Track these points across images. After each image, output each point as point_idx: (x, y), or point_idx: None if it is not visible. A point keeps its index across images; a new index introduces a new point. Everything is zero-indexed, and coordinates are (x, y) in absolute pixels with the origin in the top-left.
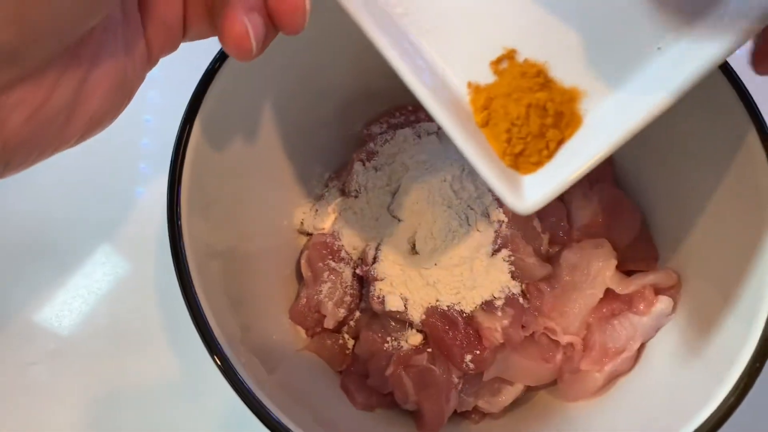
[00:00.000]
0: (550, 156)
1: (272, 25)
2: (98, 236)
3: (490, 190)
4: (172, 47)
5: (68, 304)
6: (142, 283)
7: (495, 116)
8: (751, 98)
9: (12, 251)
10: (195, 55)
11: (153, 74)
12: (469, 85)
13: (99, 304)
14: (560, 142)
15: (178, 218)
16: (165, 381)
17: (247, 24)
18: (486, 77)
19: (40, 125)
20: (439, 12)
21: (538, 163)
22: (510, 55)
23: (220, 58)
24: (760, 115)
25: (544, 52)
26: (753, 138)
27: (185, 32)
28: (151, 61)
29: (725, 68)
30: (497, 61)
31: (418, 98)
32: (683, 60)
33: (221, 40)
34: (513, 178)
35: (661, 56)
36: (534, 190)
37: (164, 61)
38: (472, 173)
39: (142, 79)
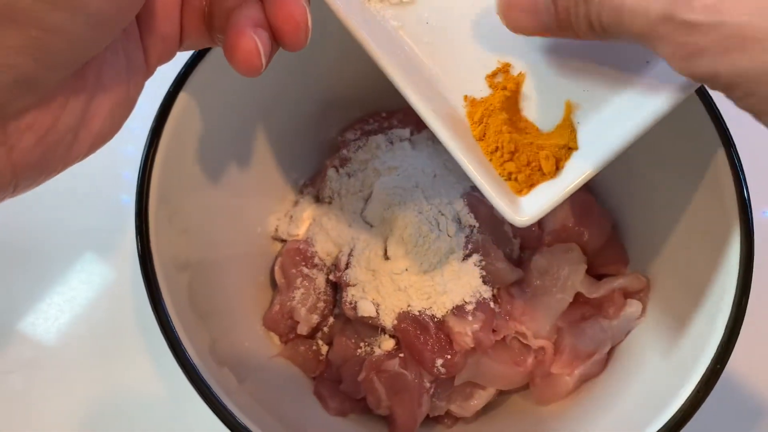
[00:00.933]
0: None
1: (274, 41)
2: (80, 244)
3: (461, 196)
4: (169, 57)
5: (46, 312)
6: (121, 292)
7: (490, 131)
8: (719, 112)
9: None
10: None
11: None
12: (465, 98)
13: (78, 312)
14: None
15: (146, 231)
16: (143, 389)
17: (256, 40)
18: (482, 91)
19: (49, 147)
20: (434, 26)
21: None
22: (505, 69)
23: (191, 65)
24: (727, 129)
25: (538, 65)
26: (720, 151)
27: (181, 42)
28: (149, 72)
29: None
30: (492, 75)
31: (418, 112)
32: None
33: (229, 56)
34: (509, 191)
35: (651, 70)
36: (531, 203)
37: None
38: (443, 179)
39: (140, 89)
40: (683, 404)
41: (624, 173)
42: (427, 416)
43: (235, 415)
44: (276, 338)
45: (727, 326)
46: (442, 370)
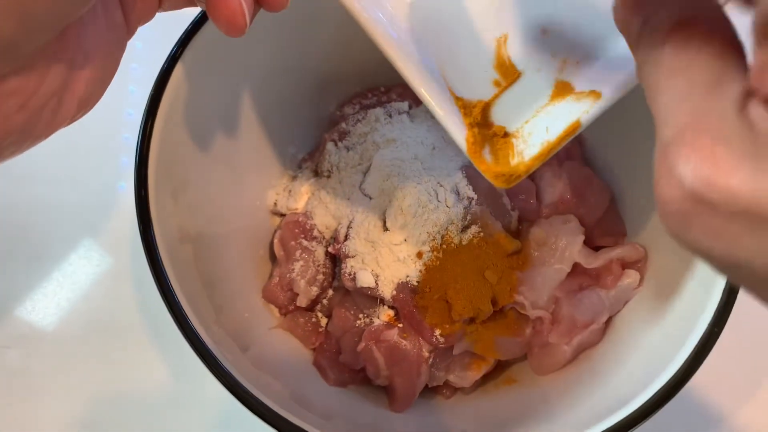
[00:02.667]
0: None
1: (256, 2)
2: (79, 221)
3: (460, 168)
4: (148, 17)
5: (47, 297)
6: (121, 267)
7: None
8: None
9: None
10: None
11: (134, 69)
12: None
13: (76, 288)
14: None
15: (146, 203)
16: (142, 364)
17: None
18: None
19: (33, 113)
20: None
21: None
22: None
23: (183, 43)
24: None
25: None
26: None
27: (161, 2)
28: (129, 33)
29: None
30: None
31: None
32: None
33: (213, 14)
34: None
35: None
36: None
37: (146, 57)
38: (441, 151)
39: (122, 50)
40: (679, 369)
41: (622, 146)
42: (426, 386)
43: (242, 385)
44: (275, 310)
45: (723, 291)
46: (441, 339)
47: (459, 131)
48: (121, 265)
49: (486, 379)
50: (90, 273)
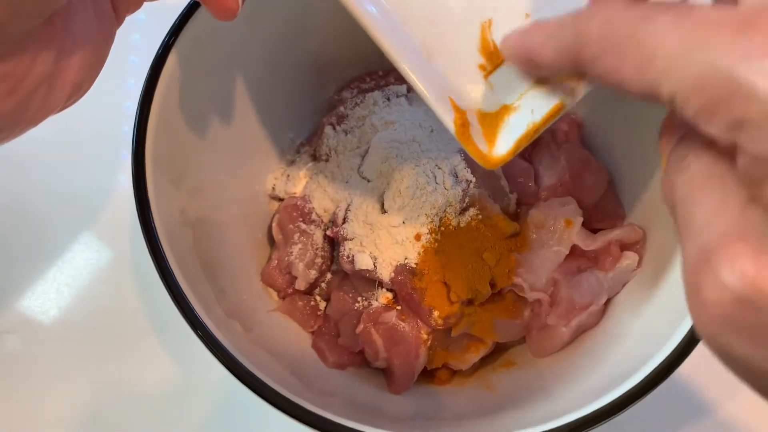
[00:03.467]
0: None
1: None
2: (79, 207)
3: (458, 151)
4: (136, 6)
5: (47, 283)
6: (122, 263)
7: None
8: None
9: None
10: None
11: (134, 62)
12: None
13: (78, 283)
14: None
15: (144, 188)
16: (144, 357)
17: None
18: None
19: (23, 98)
20: None
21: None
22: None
23: (176, 31)
24: None
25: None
26: None
27: None
28: (118, 20)
29: None
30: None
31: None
32: None
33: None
34: (479, 134)
35: None
36: (501, 144)
37: (143, 49)
38: (440, 134)
39: (112, 38)
40: (676, 347)
41: (620, 128)
42: (425, 369)
43: (241, 363)
44: (274, 294)
45: None
46: (439, 321)
47: (447, 113)
48: (121, 253)
49: (484, 361)
50: (90, 259)
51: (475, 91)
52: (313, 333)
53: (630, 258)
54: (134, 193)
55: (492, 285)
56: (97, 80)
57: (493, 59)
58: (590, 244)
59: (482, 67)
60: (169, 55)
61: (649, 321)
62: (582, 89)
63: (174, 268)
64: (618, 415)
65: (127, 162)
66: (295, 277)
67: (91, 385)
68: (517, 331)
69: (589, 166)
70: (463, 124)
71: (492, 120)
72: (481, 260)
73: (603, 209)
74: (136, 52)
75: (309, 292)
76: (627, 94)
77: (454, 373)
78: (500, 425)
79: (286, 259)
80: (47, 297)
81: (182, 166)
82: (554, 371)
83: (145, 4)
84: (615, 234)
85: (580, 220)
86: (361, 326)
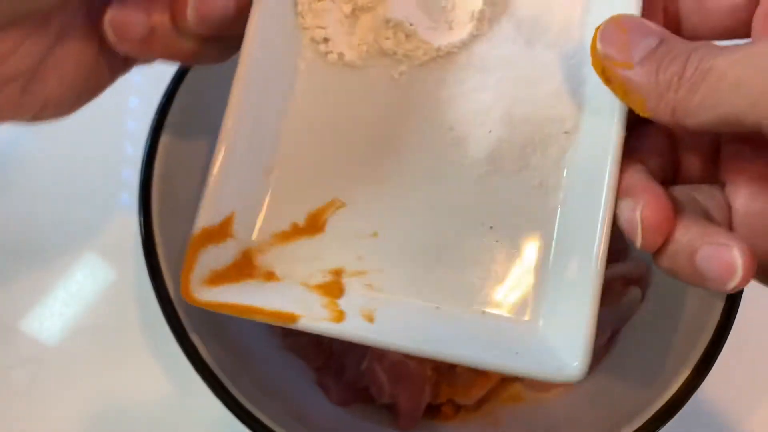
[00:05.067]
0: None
1: None
2: (83, 238)
3: None
4: (146, 61)
5: (51, 307)
6: (126, 285)
7: None
8: None
9: None
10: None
11: (134, 80)
12: None
13: (82, 307)
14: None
15: (149, 221)
16: (148, 383)
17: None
18: None
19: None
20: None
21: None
22: None
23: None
24: None
25: None
26: None
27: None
28: (126, 65)
29: None
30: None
31: None
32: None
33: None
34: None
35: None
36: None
37: (148, 69)
38: None
39: (110, 80)
40: (683, 384)
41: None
42: (429, 404)
43: (242, 403)
44: (278, 329)
45: (724, 306)
46: None
47: None
48: (125, 280)
49: (490, 396)
50: (96, 290)
51: None
52: (317, 369)
53: (634, 293)
54: (139, 222)
55: None
56: (97, 99)
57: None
58: None
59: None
60: (178, 90)
61: (654, 356)
62: None
63: (175, 302)
64: None
65: (128, 181)
66: None
67: (91, 405)
68: None
69: None
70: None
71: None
72: None
73: None
74: (139, 71)
75: None
76: None
77: (459, 408)
78: None
79: None
80: (52, 315)
81: (187, 197)
82: (560, 407)
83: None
84: (619, 269)
85: None
86: (365, 363)
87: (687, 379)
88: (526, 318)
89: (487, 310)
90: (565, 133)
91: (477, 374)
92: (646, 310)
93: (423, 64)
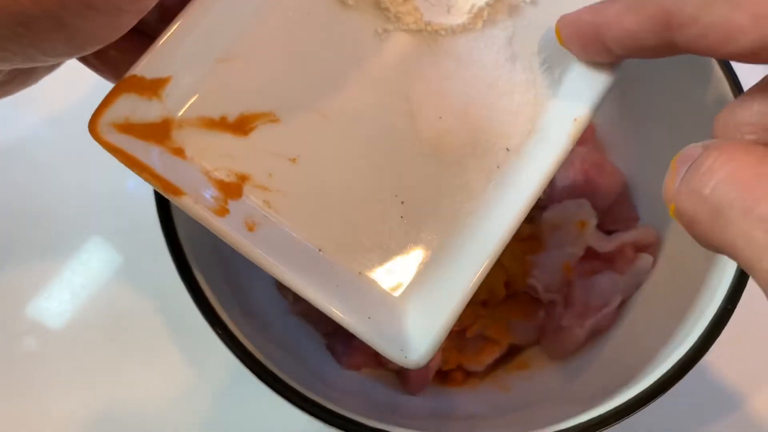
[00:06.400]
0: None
1: None
2: (94, 225)
3: None
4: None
5: (63, 284)
6: (137, 270)
7: None
8: (733, 70)
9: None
10: None
11: None
12: None
13: (93, 285)
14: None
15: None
16: (159, 360)
17: None
18: None
19: None
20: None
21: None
22: None
23: None
24: (739, 83)
25: None
26: (729, 97)
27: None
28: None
29: None
30: None
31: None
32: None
33: None
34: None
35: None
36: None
37: None
38: None
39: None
40: (692, 346)
41: (632, 128)
42: (439, 370)
43: (261, 360)
44: (289, 295)
45: (736, 271)
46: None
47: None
48: (135, 254)
49: (499, 363)
50: (104, 261)
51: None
52: (327, 335)
53: (644, 260)
54: (154, 192)
55: (507, 286)
56: (107, 84)
57: None
58: (605, 245)
59: None
60: None
61: (664, 322)
62: None
63: (193, 265)
64: (632, 416)
65: None
66: None
67: (104, 386)
68: (531, 332)
69: (603, 168)
70: None
71: None
72: (497, 262)
73: (617, 212)
74: None
75: None
76: (731, 54)
77: (469, 374)
78: (514, 425)
79: None
80: (62, 299)
81: None
82: (568, 373)
83: None
84: (630, 235)
85: (595, 221)
86: None
87: (697, 340)
88: (396, 295)
89: (364, 272)
90: (507, 150)
91: (486, 341)
92: (656, 277)
93: (408, 31)
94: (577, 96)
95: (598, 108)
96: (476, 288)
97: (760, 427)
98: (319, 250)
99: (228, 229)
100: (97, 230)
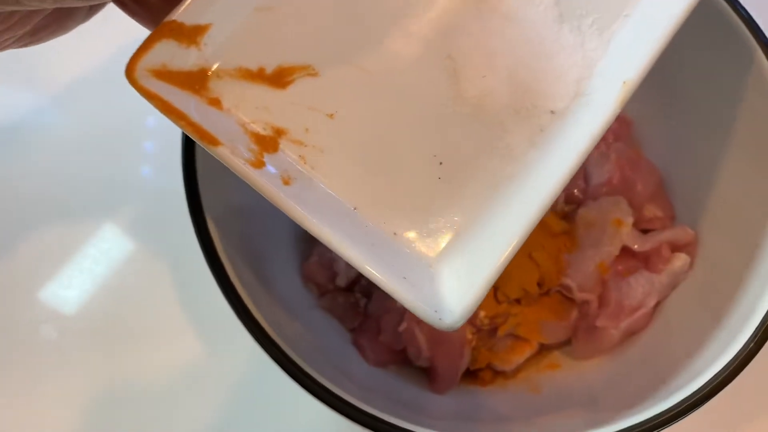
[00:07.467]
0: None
1: None
2: (114, 214)
3: None
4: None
5: (80, 264)
6: (157, 260)
7: None
8: None
9: (15, 228)
10: None
11: None
12: None
13: (113, 266)
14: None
15: (195, 179)
16: (177, 349)
17: None
18: None
19: None
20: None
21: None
22: None
23: None
24: None
25: None
26: None
27: None
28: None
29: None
30: None
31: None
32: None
33: None
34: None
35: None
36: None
37: None
38: None
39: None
40: (729, 362)
41: (671, 127)
42: (468, 369)
43: (287, 353)
44: (314, 290)
45: None
46: (485, 321)
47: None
48: (155, 244)
49: (529, 363)
50: (124, 251)
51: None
52: (353, 330)
53: (681, 260)
54: (184, 179)
55: (539, 285)
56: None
57: None
58: (641, 244)
59: None
60: None
61: (701, 327)
62: None
63: (222, 255)
64: (666, 428)
65: (149, 154)
66: (337, 273)
67: (122, 373)
68: (563, 332)
69: (640, 166)
70: None
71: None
72: (530, 259)
73: (653, 209)
74: None
75: (350, 288)
76: None
77: (498, 373)
78: (544, 429)
79: (327, 254)
80: (82, 288)
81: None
82: (600, 375)
83: None
84: (666, 235)
85: (631, 220)
86: (404, 324)
87: (739, 352)
88: (432, 255)
89: (400, 232)
90: (551, 112)
91: (517, 340)
92: (694, 278)
93: None
94: (625, 59)
95: (648, 72)
96: (514, 254)
97: None
98: (354, 209)
99: (264, 181)
100: (112, 218)
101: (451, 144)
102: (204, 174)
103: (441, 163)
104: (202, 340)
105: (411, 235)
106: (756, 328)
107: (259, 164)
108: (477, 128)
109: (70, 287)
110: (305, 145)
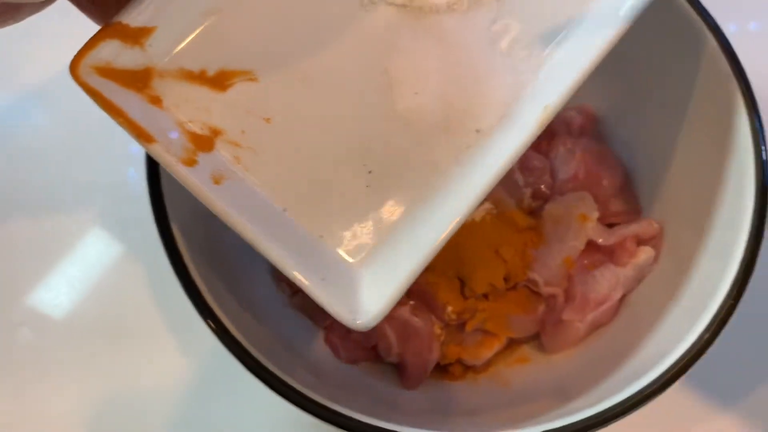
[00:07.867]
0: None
1: None
2: (91, 216)
3: None
4: None
5: (59, 282)
6: (134, 262)
7: None
8: (731, 48)
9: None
10: None
11: None
12: None
13: (90, 282)
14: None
15: (158, 181)
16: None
17: None
18: None
19: None
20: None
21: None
22: None
23: None
24: (739, 62)
25: None
26: (732, 86)
27: None
28: None
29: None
30: None
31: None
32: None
33: None
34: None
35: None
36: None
37: None
38: None
39: None
40: (695, 342)
41: (636, 122)
42: (438, 364)
43: (256, 357)
44: (286, 288)
45: (741, 264)
46: (453, 316)
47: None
48: (133, 246)
49: (498, 357)
50: (102, 253)
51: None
52: (325, 328)
53: (647, 253)
54: (148, 185)
55: (506, 280)
56: None
57: None
58: (606, 239)
59: None
60: None
61: (666, 317)
62: None
63: (186, 259)
64: (633, 412)
65: (136, 155)
66: None
67: (101, 377)
68: (531, 326)
69: (605, 161)
70: None
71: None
72: (497, 255)
73: (619, 204)
74: None
75: None
76: None
77: (468, 368)
78: (514, 420)
79: None
80: (59, 290)
81: None
82: (568, 368)
83: None
84: (631, 229)
85: (596, 214)
86: None
87: (700, 335)
88: (353, 260)
89: (325, 236)
90: (477, 131)
91: (485, 335)
92: (659, 271)
93: (393, 5)
94: (551, 84)
95: (570, 97)
96: (429, 261)
97: (765, 421)
98: (284, 210)
99: (193, 179)
100: (96, 222)
101: (381, 155)
102: (170, 178)
103: (370, 172)
104: (182, 344)
105: (335, 238)
106: (711, 318)
107: (191, 162)
108: (407, 142)
109: (53, 290)
110: (240, 147)
